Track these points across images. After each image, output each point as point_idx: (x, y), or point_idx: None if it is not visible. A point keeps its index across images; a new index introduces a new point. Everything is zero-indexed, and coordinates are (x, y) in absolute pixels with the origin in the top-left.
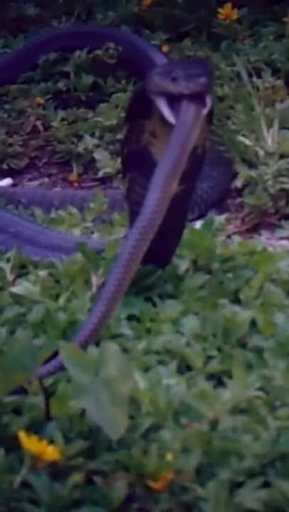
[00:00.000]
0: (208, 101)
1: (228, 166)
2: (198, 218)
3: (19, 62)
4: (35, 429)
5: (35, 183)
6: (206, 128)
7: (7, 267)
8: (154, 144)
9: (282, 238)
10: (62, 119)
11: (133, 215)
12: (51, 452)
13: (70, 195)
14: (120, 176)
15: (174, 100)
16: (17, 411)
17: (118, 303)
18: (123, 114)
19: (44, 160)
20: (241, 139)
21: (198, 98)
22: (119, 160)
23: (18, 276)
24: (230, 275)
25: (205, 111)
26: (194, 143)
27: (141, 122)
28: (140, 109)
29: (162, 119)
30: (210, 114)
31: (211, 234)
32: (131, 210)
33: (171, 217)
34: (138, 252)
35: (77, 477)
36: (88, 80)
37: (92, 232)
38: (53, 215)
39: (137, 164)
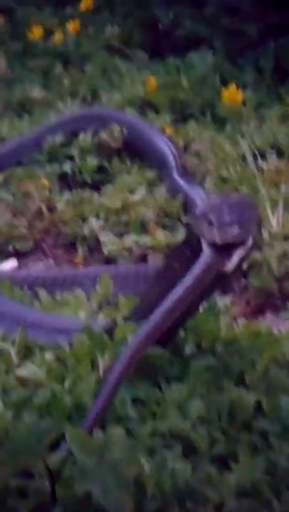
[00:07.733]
0: (235, 257)
1: None
2: None
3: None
4: None
5: (40, 265)
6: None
7: (12, 350)
8: None
9: (287, 319)
10: (68, 201)
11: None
12: None
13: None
14: (127, 253)
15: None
16: (23, 494)
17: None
18: (128, 196)
19: (49, 242)
20: None
21: (228, 248)
22: (124, 241)
23: (24, 358)
24: (235, 357)
25: (230, 265)
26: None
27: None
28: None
29: None
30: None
31: (214, 316)
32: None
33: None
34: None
35: None
36: (93, 162)
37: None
38: (58, 297)
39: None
